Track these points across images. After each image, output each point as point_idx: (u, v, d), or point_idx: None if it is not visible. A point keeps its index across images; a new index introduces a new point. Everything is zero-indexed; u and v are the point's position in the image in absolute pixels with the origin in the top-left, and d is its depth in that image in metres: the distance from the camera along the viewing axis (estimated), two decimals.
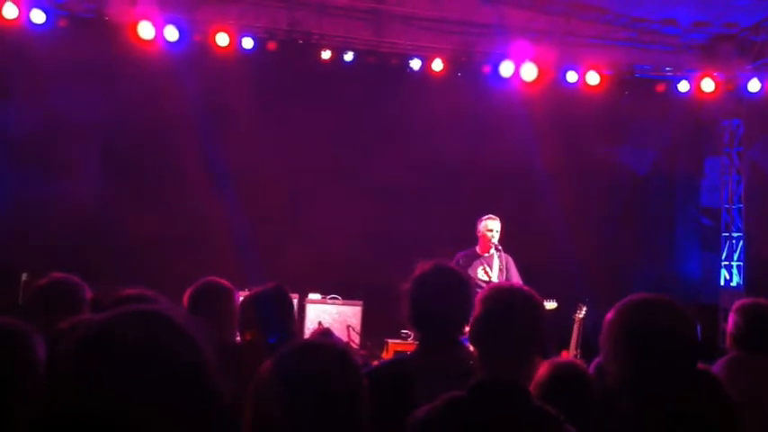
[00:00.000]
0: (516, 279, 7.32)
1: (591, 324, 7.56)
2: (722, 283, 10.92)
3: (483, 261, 7.57)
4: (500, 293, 2.67)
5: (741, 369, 3.69)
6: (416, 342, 3.28)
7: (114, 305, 3.24)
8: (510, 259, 7.57)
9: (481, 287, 2.93)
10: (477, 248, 7.67)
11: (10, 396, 1.63)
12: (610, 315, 2.49)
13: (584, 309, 7.88)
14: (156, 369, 1.22)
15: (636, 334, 2.39)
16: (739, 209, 10.88)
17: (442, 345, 3.07)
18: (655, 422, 2.31)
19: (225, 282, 3.89)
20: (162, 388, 1.21)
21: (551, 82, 10.04)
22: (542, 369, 2.95)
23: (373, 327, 8.87)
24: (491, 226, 7.56)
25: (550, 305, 7.51)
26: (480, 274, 7.38)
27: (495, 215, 7.68)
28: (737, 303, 4.13)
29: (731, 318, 4.04)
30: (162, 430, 1.19)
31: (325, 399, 1.80)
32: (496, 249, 7.49)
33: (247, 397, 1.88)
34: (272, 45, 9.52)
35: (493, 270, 7.49)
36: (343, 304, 9.08)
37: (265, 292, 3.63)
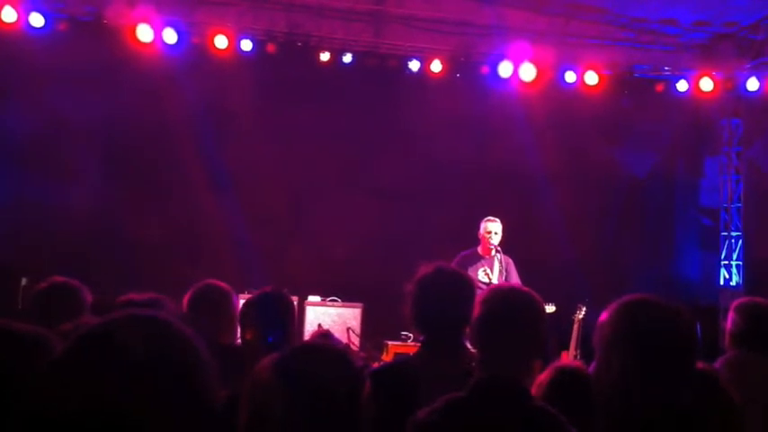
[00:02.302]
0: (516, 281, 7.32)
1: (591, 325, 7.56)
2: (721, 282, 10.92)
3: (484, 263, 7.57)
4: (500, 294, 2.67)
5: (740, 368, 3.69)
6: (418, 344, 3.29)
7: (117, 308, 3.25)
8: (510, 261, 7.58)
9: (481, 289, 2.93)
10: (479, 249, 7.67)
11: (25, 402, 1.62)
12: (604, 315, 2.49)
13: (584, 309, 7.87)
14: (155, 369, 1.23)
15: (630, 334, 2.39)
16: (738, 208, 10.88)
17: (445, 346, 3.07)
18: (650, 422, 2.31)
19: (224, 284, 3.89)
20: (159, 388, 1.22)
21: (550, 82, 10.04)
22: (546, 373, 2.95)
23: (373, 329, 8.87)
24: (491, 228, 7.56)
25: (549, 309, 7.51)
26: (481, 276, 7.38)
27: (495, 216, 7.69)
28: (737, 302, 4.12)
29: (730, 317, 4.02)
30: (158, 429, 1.20)
31: (324, 400, 1.80)
32: (496, 251, 7.50)
33: (243, 397, 1.88)
34: (270, 47, 9.52)
35: (493, 272, 7.50)
36: (342, 306, 9.08)
37: (265, 296, 3.63)
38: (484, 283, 7.14)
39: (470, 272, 7.09)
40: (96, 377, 1.20)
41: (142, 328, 1.29)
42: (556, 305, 7.73)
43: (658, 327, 2.38)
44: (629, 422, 2.35)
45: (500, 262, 7.51)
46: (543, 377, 2.91)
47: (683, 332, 2.41)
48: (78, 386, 1.19)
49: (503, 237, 7.59)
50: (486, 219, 7.67)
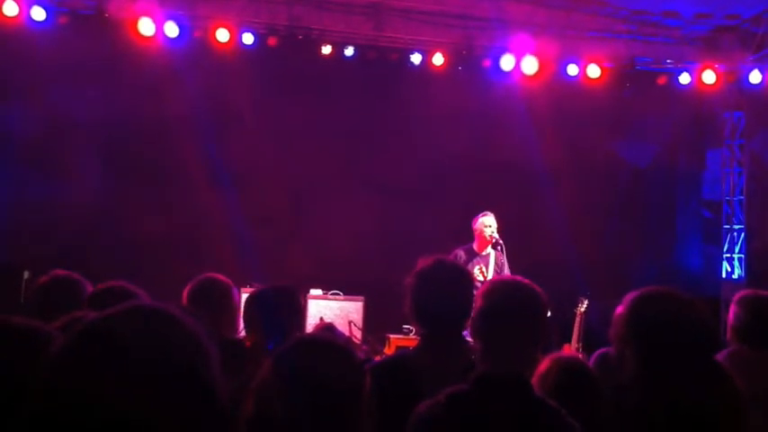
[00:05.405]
0: None
1: (592, 317, 7.57)
2: (724, 275, 10.92)
3: (480, 260, 7.53)
4: (501, 287, 2.67)
5: (743, 362, 3.66)
6: (418, 337, 3.28)
7: (93, 299, 3.24)
8: (506, 260, 7.52)
9: (477, 287, 2.92)
10: (475, 246, 7.63)
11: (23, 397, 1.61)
12: (621, 308, 2.47)
13: (586, 302, 7.86)
14: (156, 365, 1.21)
15: (650, 327, 2.38)
16: (741, 201, 10.88)
17: (445, 340, 3.07)
18: (662, 416, 2.30)
19: (224, 277, 3.89)
20: (161, 384, 1.20)
21: (552, 75, 10.02)
22: (545, 364, 2.94)
23: (375, 322, 8.87)
24: (488, 222, 7.53)
25: None
26: (476, 273, 7.29)
27: (495, 210, 7.67)
28: (739, 295, 4.07)
29: (732, 310, 3.98)
30: (161, 427, 1.19)
31: (325, 395, 1.80)
32: (497, 244, 7.46)
33: (248, 394, 1.87)
34: (272, 41, 9.51)
35: (489, 269, 7.47)
36: (344, 300, 9.08)
37: (268, 292, 3.62)
38: (479, 281, 7.09)
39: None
40: (96, 376, 1.18)
41: (143, 323, 1.27)
42: (556, 299, 7.65)
43: (676, 321, 2.37)
44: (642, 415, 2.34)
45: (496, 258, 7.49)
46: (543, 369, 2.91)
47: (701, 326, 2.41)
48: (78, 385, 1.17)
49: (504, 230, 7.56)
50: (481, 214, 7.63)
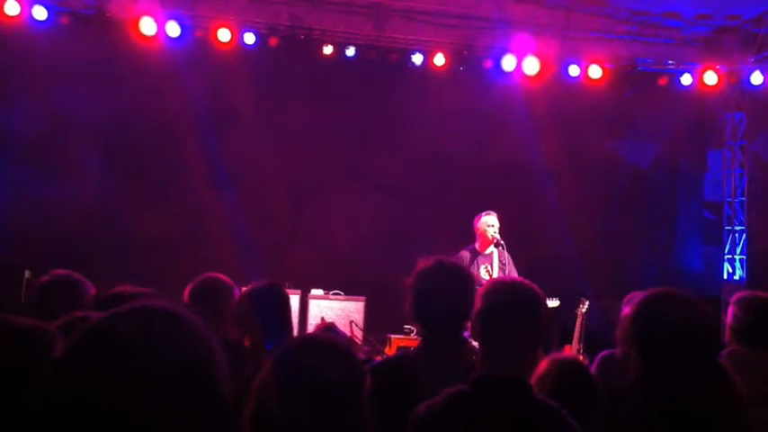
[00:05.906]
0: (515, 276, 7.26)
1: (593, 318, 7.56)
2: (725, 276, 10.92)
3: (484, 260, 7.51)
4: (501, 288, 2.67)
5: (740, 363, 3.66)
6: (419, 338, 3.28)
7: (108, 302, 3.23)
8: (509, 257, 7.52)
9: (482, 285, 2.92)
10: (477, 246, 7.61)
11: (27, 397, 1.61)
12: (628, 310, 2.47)
13: (587, 303, 7.86)
14: (162, 366, 1.21)
15: (656, 329, 2.38)
16: (742, 202, 10.87)
17: (445, 340, 3.07)
18: (670, 417, 2.30)
19: (225, 277, 3.89)
20: (167, 385, 1.20)
21: (553, 76, 10.01)
22: (543, 365, 2.95)
23: (376, 322, 8.87)
24: (491, 221, 7.50)
25: (552, 303, 7.47)
26: (483, 274, 7.28)
27: (497, 209, 7.65)
28: (736, 296, 4.06)
29: (730, 311, 3.96)
30: (166, 427, 1.18)
31: (325, 395, 1.80)
32: (498, 244, 7.45)
33: (249, 394, 1.87)
34: (273, 41, 9.51)
35: (493, 268, 7.46)
36: (345, 300, 9.09)
37: (260, 290, 3.62)
38: (485, 281, 7.07)
39: (472, 269, 7.03)
40: (101, 376, 1.18)
41: (150, 323, 1.26)
42: (559, 299, 7.71)
43: (680, 323, 2.37)
44: (645, 416, 2.35)
45: (500, 257, 7.47)
46: (541, 369, 2.91)
47: (707, 328, 2.41)
48: (84, 386, 1.17)
49: (505, 229, 7.55)
50: (483, 213, 7.59)
